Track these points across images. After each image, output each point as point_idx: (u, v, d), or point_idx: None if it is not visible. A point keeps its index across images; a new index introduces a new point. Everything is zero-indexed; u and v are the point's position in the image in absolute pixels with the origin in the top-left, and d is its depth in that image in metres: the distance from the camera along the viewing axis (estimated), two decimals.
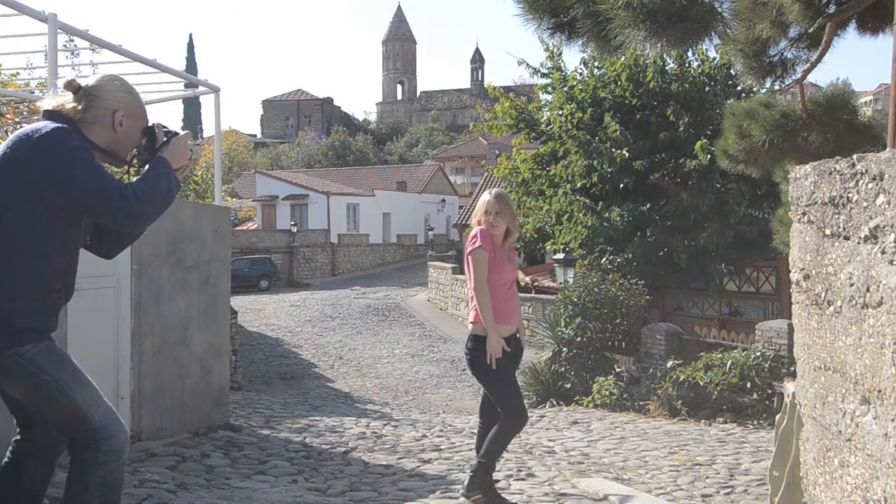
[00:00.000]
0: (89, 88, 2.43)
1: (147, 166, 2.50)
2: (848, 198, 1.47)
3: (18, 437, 2.49)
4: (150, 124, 2.55)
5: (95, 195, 2.27)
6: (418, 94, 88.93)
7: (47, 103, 2.46)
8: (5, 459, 2.48)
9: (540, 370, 11.12)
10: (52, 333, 2.40)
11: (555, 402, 10.42)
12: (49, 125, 2.32)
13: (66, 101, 2.42)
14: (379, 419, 8.85)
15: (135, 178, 2.50)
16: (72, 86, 2.42)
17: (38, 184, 2.25)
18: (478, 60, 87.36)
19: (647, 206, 13.67)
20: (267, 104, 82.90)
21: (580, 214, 13.83)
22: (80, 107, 2.40)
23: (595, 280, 11.97)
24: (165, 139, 2.54)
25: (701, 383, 8.59)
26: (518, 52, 47.61)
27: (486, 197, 4.10)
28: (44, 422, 2.42)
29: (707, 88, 14.33)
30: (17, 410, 2.45)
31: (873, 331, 1.37)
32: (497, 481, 4.30)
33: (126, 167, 2.58)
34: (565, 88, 15.03)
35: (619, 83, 14.41)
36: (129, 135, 2.48)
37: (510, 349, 4.02)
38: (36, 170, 2.25)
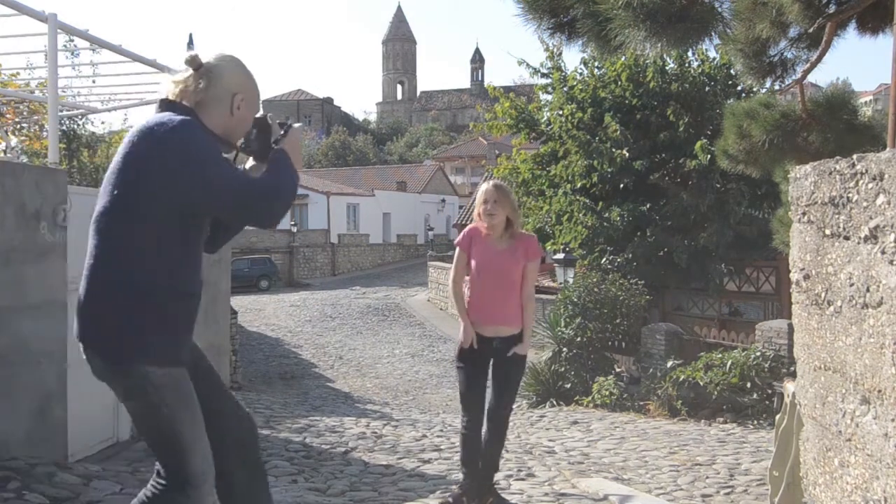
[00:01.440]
0: (211, 66, 2.26)
1: (257, 159, 2.38)
2: (848, 198, 1.46)
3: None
4: (261, 115, 2.39)
5: (229, 194, 2.15)
6: (418, 94, 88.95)
7: (164, 89, 2.29)
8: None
9: (540, 370, 11.12)
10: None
11: (555, 402, 10.42)
12: (174, 118, 2.15)
13: (185, 81, 2.24)
14: (379, 419, 8.85)
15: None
16: (194, 62, 2.25)
17: (169, 182, 2.09)
18: (478, 60, 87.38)
19: (647, 206, 13.67)
20: (267, 104, 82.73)
21: (580, 214, 13.83)
22: (200, 86, 2.22)
23: (595, 280, 11.97)
24: (283, 131, 2.38)
25: (701, 383, 8.58)
26: (518, 52, 47.67)
27: (484, 186, 4.05)
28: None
29: (707, 88, 14.32)
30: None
31: (873, 331, 1.37)
32: (496, 483, 4.29)
33: (233, 156, 2.40)
34: (565, 88, 15.03)
35: (620, 83, 14.40)
36: (243, 122, 2.33)
37: (479, 349, 3.92)
38: (167, 168, 2.09)
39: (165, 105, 2.24)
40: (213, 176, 2.12)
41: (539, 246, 4.14)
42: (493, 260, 3.96)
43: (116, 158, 2.19)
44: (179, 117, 2.15)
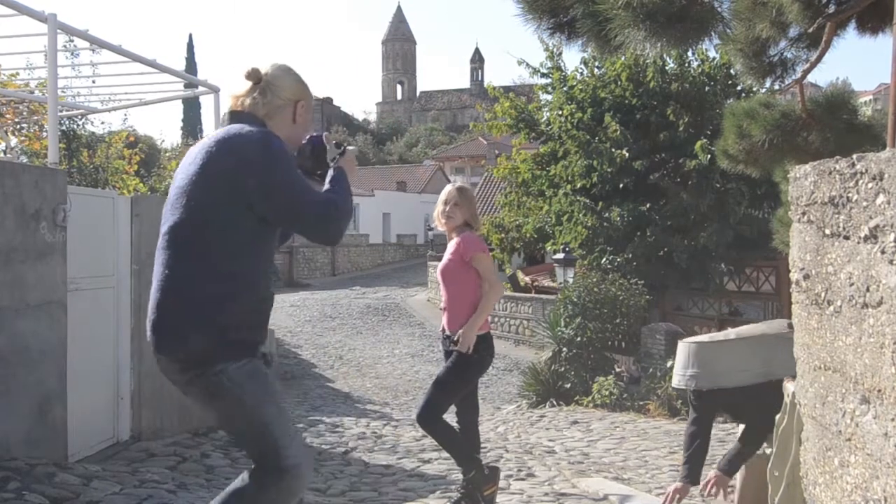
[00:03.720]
0: (270, 78, 2.32)
1: (310, 174, 2.39)
2: (848, 197, 1.47)
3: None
4: (317, 133, 2.46)
5: (305, 207, 2.19)
6: (418, 94, 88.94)
7: (229, 103, 2.34)
8: None
9: (540, 370, 11.13)
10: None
11: (555, 402, 10.42)
12: (253, 129, 2.19)
13: (249, 93, 2.29)
14: (379, 419, 8.85)
15: None
16: (255, 75, 2.31)
17: (250, 192, 2.13)
18: (477, 60, 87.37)
19: (647, 206, 13.67)
20: None
21: (580, 215, 13.83)
22: (266, 98, 2.28)
23: (595, 280, 11.97)
24: (340, 151, 2.44)
25: None
26: (518, 52, 47.58)
27: (448, 187, 4.06)
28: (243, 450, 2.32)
29: (707, 88, 14.32)
30: None
31: (873, 330, 1.37)
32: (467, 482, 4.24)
33: None
34: (565, 88, 15.03)
35: (619, 83, 14.40)
36: (303, 129, 2.39)
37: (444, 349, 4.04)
38: (248, 177, 2.12)
39: (236, 117, 2.28)
40: (293, 189, 2.16)
41: (474, 240, 3.97)
42: (443, 262, 4.01)
43: (191, 170, 2.20)
44: (258, 128, 2.20)
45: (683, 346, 3.59)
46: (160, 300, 2.18)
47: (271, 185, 2.13)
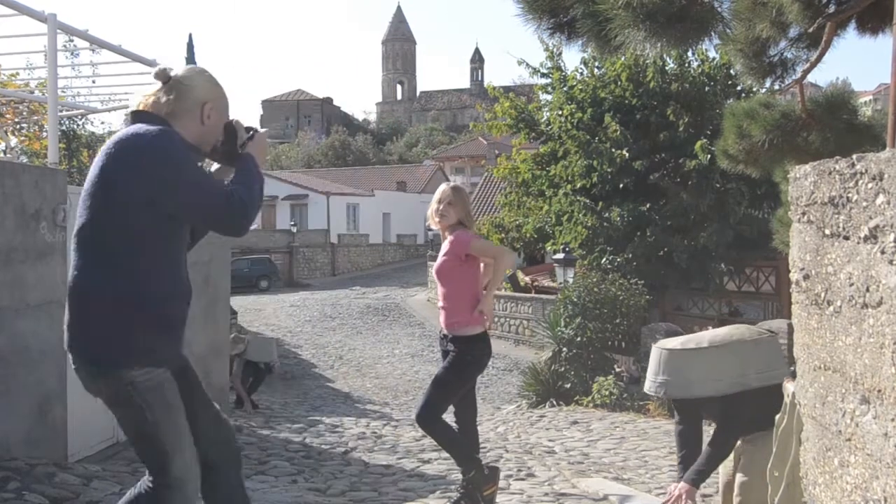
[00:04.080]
0: (179, 79, 2.34)
1: (224, 163, 2.43)
2: (847, 198, 1.46)
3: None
4: (228, 120, 2.46)
5: (206, 200, 2.21)
6: (418, 94, 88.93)
7: (134, 102, 2.36)
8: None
9: (540, 370, 11.12)
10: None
11: (555, 402, 10.42)
12: (152, 128, 2.21)
13: (155, 94, 2.32)
14: (379, 419, 8.86)
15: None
16: (163, 75, 2.33)
17: (149, 190, 2.15)
18: (477, 60, 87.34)
19: (647, 206, 13.67)
20: (267, 104, 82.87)
21: (580, 215, 13.83)
22: (171, 98, 2.30)
23: (595, 280, 11.97)
24: (248, 136, 2.46)
25: None
26: (518, 52, 47.53)
27: (442, 186, 4.06)
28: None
29: (707, 88, 14.32)
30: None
31: (873, 330, 1.37)
32: (466, 482, 4.23)
33: (202, 163, 2.49)
34: (565, 88, 15.03)
35: (619, 83, 14.40)
36: (215, 129, 2.39)
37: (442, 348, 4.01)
38: (147, 175, 2.15)
39: (137, 116, 2.30)
40: (192, 182, 2.19)
41: (465, 236, 3.93)
42: (438, 262, 4.00)
43: (94, 171, 2.24)
44: (156, 127, 2.21)
45: (655, 352, 3.48)
46: (71, 300, 2.22)
47: (168, 183, 2.16)
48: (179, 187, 2.17)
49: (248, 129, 2.48)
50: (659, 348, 3.45)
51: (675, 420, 3.73)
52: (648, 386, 3.52)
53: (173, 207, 2.19)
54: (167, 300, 2.25)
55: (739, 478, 3.38)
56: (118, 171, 2.18)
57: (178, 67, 2.40)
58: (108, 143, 2.27)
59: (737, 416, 3.30)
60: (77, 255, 2.23)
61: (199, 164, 2.44)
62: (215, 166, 2.54)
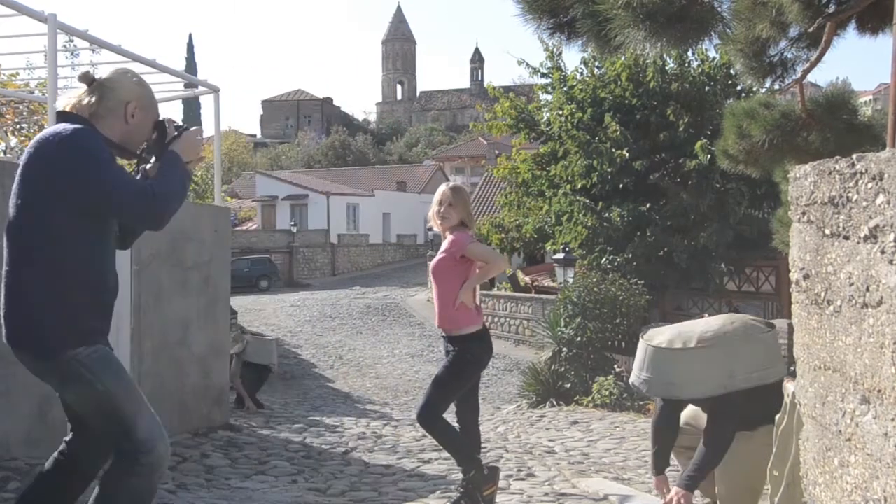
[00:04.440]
0: (103, 80, 2.46)
1: (156, 160, 2.51)
2: (847, 197, 1.46)
3: (65, 445, 2.52)
4: (160, 118, 2.56)
5: (119, 195, 2.30)
6: (418, 94, 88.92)
7: (61, 104, 2.48)
8: (48, 465, 2.51)
9: (540, 370, 11.12)
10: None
11: (555, 402, 10.42)
12: (69, 127, 2.32)
13: (80, 96, 2.43)
14: (379, 419, 8.86)
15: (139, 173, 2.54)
16: (86, 78, 2.46)
17: (64, 186, 2.26)
18: (477, 60, 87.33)
19: (647, 206, 13.67)
20: (267, 104, 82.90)
21: (580, 215, 13.83)
22: (93, 99, 2.41)
23: (595, 280, 11.97)
24: (176, 133, 2.54)
25: None
26: (518, 52, 47.54)
27: (442, 188, 4.02)
28: (93, 429, 2.44)
29: (707, 88, 14.33)
30: (73, 417, 2.50)
31: (873, 330, 1.37)
32: (467, 482, 4.22)
33: (136, 160, 2.59)
34: (565, 88, 15.04)
35: (619, 83, 14.41)
36: (141, 127, 2.49)
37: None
38: (61, 172, 2.26)
39: (62, 117, 2.42)
40: (105, 178, 2.28)
41: (463, 237, 3.89)
42: (435, 260, 4.00)
43: (19, 170, 2.36)
44: (73, 126, 2.33)
45: (642, 345, 3.34)
46: (4, 293, 2.33)
47: (79, 178, 2.26)
48: (90, 182, 2.26)
49: (178, 126, 2.58)
50: (645, 344, 3.31)
51: (656, 412, 3.63)
52: (633, 379, 3.43)
53: (86, 201, 2.29)
54: (92, 289, 2.37)
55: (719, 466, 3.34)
56: (35, 167, 2.30)
57: (105, 70, 2.56)
58: (32, 141, 2.41)
59: (727, 414, 3.24)
60: (7, 250, 2.33)
61: (134, 160, 2.59)
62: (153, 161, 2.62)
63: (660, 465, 3.67)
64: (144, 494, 2.39)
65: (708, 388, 3.16)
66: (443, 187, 4.02)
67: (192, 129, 2.59)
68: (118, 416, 2.33)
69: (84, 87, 2.45)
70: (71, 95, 2.47)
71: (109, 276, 2.44)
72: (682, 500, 3.22)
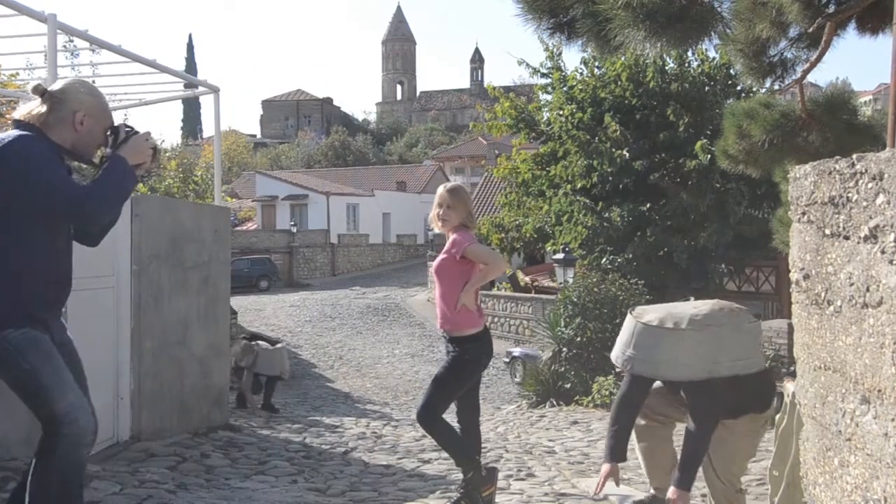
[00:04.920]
0: (53, 92, 2.62)
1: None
2: (847, 197, 1.46)
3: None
4: (115, 124, 2.70)
5: (52, 196, 2.45)
6: (418, 94, 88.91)
7: (17, 113, 2.65)
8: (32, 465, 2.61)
9: (540, 370, 11.12)
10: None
11: (555, 402, 10.42)
12: (14, 133, 2.52)
13: (32, 106, 2.61)
14: (379, 419, 8.86)
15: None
16: (37, 90, 2.62)
17: (10, 187, 2.43)
18: (477, 60, 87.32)
19: (647, 206, 13.68)
20: (266, 104, 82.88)
21: (580, 215, 13.83)
22: (43, 109, 2.57)
23: (595, 280, 11.97)
24: (125, 137, 2.68)
25: None
26: (518, 52, 47.55)
27: (440, 190, 4.01)
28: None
29: (707, 88, 14.34)
30: None
31: (873, 330, 1.37)
32: (466, 483, 4.21)
33: (96, 165, 2.73)
34: (565, 88, 15.04)
35: (619, 83, 14.41)
36: (91, 135, 2.64)
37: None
38: (6, 174, 2.43)
39: (15, 124, 2.61)
40: (41, 179, 2.45)
41: (463, 237, 3.89)
42: (437, 260, 4.00)
43: None
44: (18, 132, 2.53)
45: (631, 322, 3.26)
46: None
47: (19, 180, 2.43)
48: (30, 184, 2.44)
49: (128, 131, 2.71)
50: (634, 319, 3.23)
51: (623, 388, 3.52)
52: (616, 356, 3.33)
53: (23, 200, 2.44)
54: (34, 280, 2.52)
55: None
56: None
57: (58, 82, 2.72)
58: None
59: (705, 402, 3.15)
60: None
61: (87, 166, 2.79)
62: None
63: (617, 450, 3.57)
64: (72, 468, 2.49)
65: (692, 371, 3.11)
66: (441, 189, 4.01)
67: (140, 133, 2.72)
68: (43, 394, 2.46)
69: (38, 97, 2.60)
70: (27, 106, 2.64)
71: (55, 269, 2.59)
72: (681, 502, 3.20)
